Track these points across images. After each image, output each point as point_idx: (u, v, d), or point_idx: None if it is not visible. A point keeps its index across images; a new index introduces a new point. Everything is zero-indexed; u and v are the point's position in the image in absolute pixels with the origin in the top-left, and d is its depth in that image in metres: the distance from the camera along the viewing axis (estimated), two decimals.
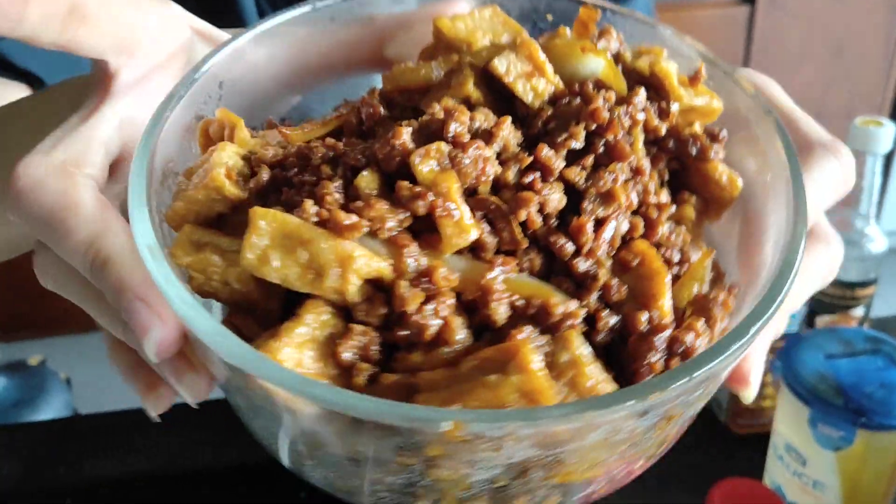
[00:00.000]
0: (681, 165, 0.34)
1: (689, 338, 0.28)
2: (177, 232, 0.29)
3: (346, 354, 0.26)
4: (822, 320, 0.91)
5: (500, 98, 0.33)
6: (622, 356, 0.28)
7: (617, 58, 0.34)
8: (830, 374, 0.68)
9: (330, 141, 0.31)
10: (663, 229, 0.31)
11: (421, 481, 0.26)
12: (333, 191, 0.28)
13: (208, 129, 0.32)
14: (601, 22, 0.36)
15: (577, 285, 0.29)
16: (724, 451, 0.84)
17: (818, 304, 0.90)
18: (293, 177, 0.29)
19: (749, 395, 0.33)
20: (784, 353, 0.71)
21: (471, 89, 0.32)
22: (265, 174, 0.29)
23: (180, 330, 0.26)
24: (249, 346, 0.24)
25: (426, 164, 0.28)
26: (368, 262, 0.26)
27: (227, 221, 0.30)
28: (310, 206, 0.27)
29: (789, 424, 0.70)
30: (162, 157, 0.30)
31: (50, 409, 2.07)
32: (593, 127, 0.31)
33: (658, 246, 0.31)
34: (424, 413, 0.23)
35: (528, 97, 0.32)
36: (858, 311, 0.91)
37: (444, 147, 0.28)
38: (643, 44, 0.36)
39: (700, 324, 0.28)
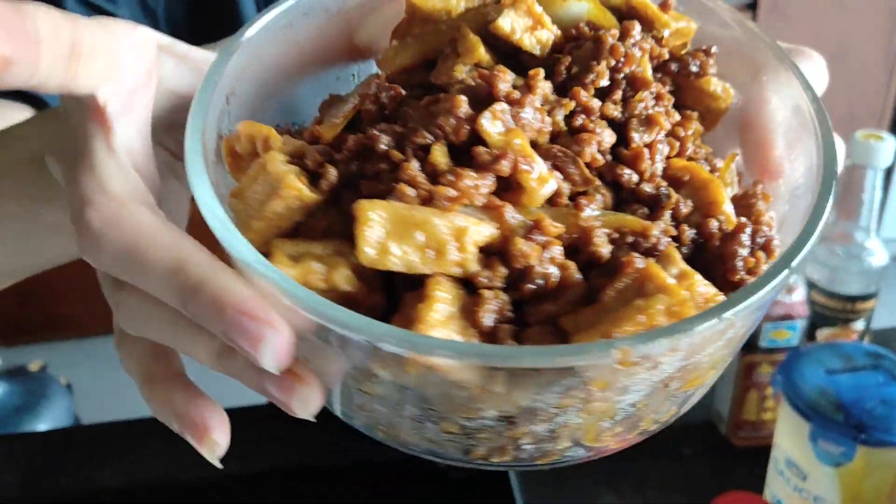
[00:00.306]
0: (676, 85, 0.36)
1: (764, 229, 0.30)
2: (262, 252, 0.27)
3: (487, 320, 0.26)
4: (823, 334, 0.91)
5: (503, 55, 0.34)
6: (704, 263, 0.30)
7: None
8: (831, 389, 0.68)
9: (383, 126, 0.30)
10: (690, 144, 0.34)
11: (569, 420, 0.28)
12: (417, 172, 0.28)
13: (234, 148, 0.32)
14: None
15: (650, 209, 0.31)
16: (725, 464, 0.84)
17: (819, 318, 0.90)
18: (364, 169, 0.29)
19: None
20: (784, 368, 0.71)
21: (483, 53, 0.32)
22: (333, 173, 0.29)
23: (293, 335, 0.25)
24: (408, 330, 0.25)
25: (494, 126, 0.29)
26: (478, 229, 0.27)
27: (305, 228, 0.29)
28: (407, 189, 0.27)
29: (790, 439, 0.70)
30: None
31: (51, 416, 2.07)
32: (613, 63, 0.32)
33: (691, 159, 0.33)
34: (595, 347, 0.24)
35: (536, 50, 0.33)
36: (859, 325, 0.91)
37: (505, 106, 0.29)
38: None
39: (766, 216, 0.31)
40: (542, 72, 0.31)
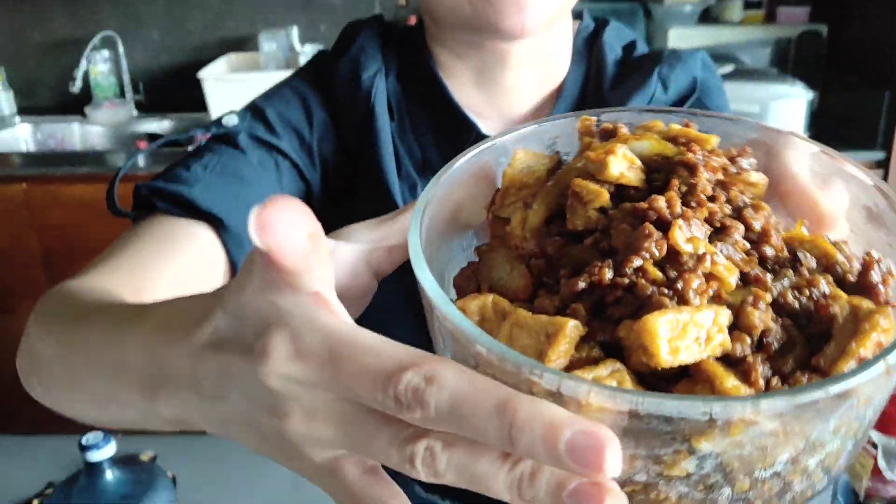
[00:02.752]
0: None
1: (880, 262, 0.36)
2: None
3: (762, 379, 0.32)
4: None
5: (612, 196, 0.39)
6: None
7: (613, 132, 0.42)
8: None
9: (597, 263, 0.35)
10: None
11: (832, 447, 0.32)
12: (649, 286, 0.33)
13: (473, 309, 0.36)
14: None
15: (793, 270, 0.36)
16: None
17: None
18: (604, 300, 0.34)
19: None
20: None
21: (606, 197, 0.38)
22: (582, 309, 0.34)
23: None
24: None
25: (683, 235, 0.35)
26: (726, 313, 0.33)
27: (573, 364, 0.34)
28: (664, 298, 0.33)
29: None
30: None
31: None
32: (707, 176, 0.38)
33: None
34: (870, 364, 0.30)
35: (639, 182, 0.39)
36: None
37: (682, 222, 0.35)
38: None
39: (870, 253, 0.37)
40: (686, 190, 0.37)
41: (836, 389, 0.28)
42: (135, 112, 2.80)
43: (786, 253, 0.37)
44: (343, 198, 0.78)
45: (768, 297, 0.34)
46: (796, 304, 0.34)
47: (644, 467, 0.31)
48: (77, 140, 2.76)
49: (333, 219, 0.49)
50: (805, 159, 0.41)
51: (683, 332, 0.31)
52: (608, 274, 0.34)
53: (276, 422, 0.32)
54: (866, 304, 0.33)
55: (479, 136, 0.75)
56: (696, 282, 0.33)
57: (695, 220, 0.35)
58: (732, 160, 0.41)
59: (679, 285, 0.33)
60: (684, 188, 0.37)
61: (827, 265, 0.37)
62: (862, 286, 0.36)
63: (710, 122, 0.44)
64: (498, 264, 0.39)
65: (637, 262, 0.34)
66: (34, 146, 2.76)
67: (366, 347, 0.30)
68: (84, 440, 2.06)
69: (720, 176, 0.39)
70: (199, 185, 0.67)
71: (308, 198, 0.77)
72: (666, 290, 0.33)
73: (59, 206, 2.32)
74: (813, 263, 0.36)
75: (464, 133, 0.76)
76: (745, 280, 0.35)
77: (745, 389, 0.31)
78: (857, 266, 0.37)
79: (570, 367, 0.32)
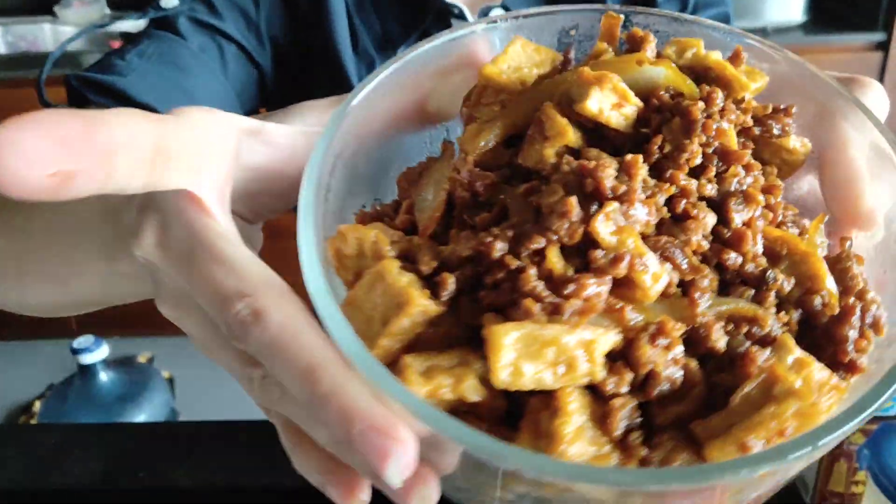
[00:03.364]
0: (754, 142, 0.34)
1: (872, 308, 0.30)
2: (389, 365, 0.28)
3: (619, 429, 0.27)
4: None
5: (587, 130, 0.33)
6: (811, 341, 0.29)
7: (660, 57, 0.35)
8: None
9: (496, 231, 0.29)
10: (781, 210, 0.32)
11: None
12: (537, 282, 0.27)
13: (340, 249, 0.31)
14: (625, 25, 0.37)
15: (755, 289, 0.30)
16: None
17: None
18: (482, 277, 0.28)
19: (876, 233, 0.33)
20: (873, 442, 0.67)
21: (572, 136, 0.32)
22: (451, 283, 0.28)
23: (418, 448, 0.25)
24: (540, 453, 0.26)
25: (607, 227, 0.28)
26: (606, 339, 0.27)
27: (424, 336, 0.29)
28: (533, 306, 0.27)
29: None
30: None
31: (150, 408, 2.18)
32: (704, 139, 0.31)
33: (780, 225, 0.32)
34: (737, 465, 0.25)
35: (623, 126, 0.32)
36: None
37: (616, 206, 0.28)
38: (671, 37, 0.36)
39: (871, 294, 0.30)
40: (640, 159, 0.30)
41: (656, 489, 0.24)
42: (107, 10, 2.69)
43: (761, 263, 0.31)
44: (297, 80, 0.74)
45: (678, 333, 0.28)
46: (719, 344, 0.28)
47: (463, 477, 0.28)
48: (49, 41, 2.67)
49: (291, 103, 0.46)
50: (865, 139, 0.34)
51: (538, 353, 0.26)
52: (499, 248, 0.28)
53: (157, 299, 0.32)
54: (792, 379, 0.26)
55: (444, 8, 0.70)
56: (591, 289, 0.27)
57: (640, 205, 0.29)
58: (766, 119, 0.34)
59: (567, 290, 0.27)
60: (668, 148, 0.31)
61: (807, 291, 0.30)
62: (830, 335, 0.29)
63: (763, 54, 0.36)
64: (432, 181, 0.34)
65: (538, 243, 0.28)
66: (4, 48, 2.67)
67: (221, 259, 0.29)
68: (76, 344, 2.09)
69: (729, 139, 0.32)
70: (133, 74, 0.64)
71: (261, 82, 0.74)
72: (546, 293, 0.27)
73: (33, 110, 2.27)
74: (787, 288, 0.30)
75: (429, 2, 0.70)
76: (684, 291, 0.29)
77: (589, 435, 0.26)
78: (853, 302, 0.30)
79: (416, 341, 0.28)
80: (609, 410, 0.27)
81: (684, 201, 0.30)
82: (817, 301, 0.30)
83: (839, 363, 0.29)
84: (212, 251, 0.29)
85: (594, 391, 0.27)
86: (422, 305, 0.27)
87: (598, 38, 0.37)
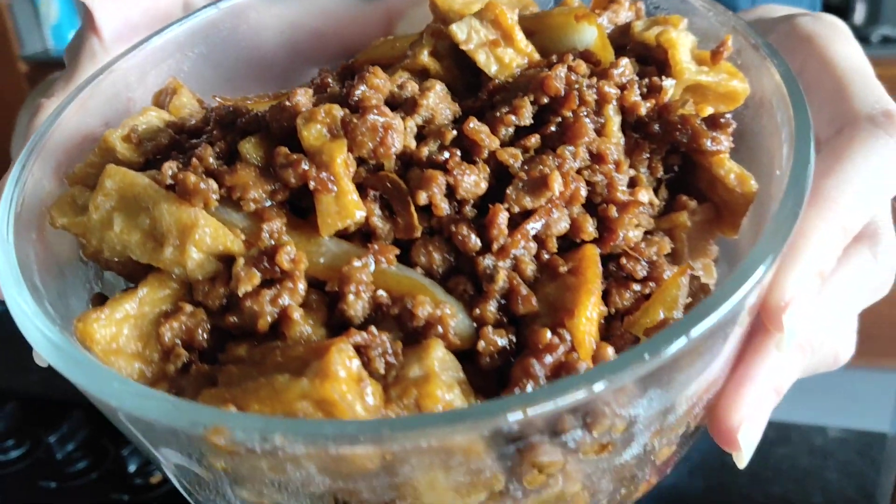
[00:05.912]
0: (685, 162, 0.28)
1: (581, 367, 0.23)
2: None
3: (167, 336, 0.23)
4: None
5: (470, 72, 0.29)
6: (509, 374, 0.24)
7: (626, 29, 0.30)
8: None
9: (244, 105, 0.27)
10: (630, 234, 0.26)
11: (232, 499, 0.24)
12: (210, 155, 0.24)
13: (159, 99, 0.31)
14: None
15: (476, 288, 0.25)
16: None
17: None
18: (186, 141, 0.26)
19: (739, 459, 0.28)
20: None
21: (425, 59, 0.28)
22: (164, 137, 0.26)
23: None
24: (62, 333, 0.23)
25: (311, 128, 0.23)
26: (214, 233, 0.23)
27: None
28: (168, 168, 0.24)
29: None
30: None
31: None
32: (545, 100, 0.26)
33: (621, 255, 0.26)
34: (184, 411, 0.20)
35: (492, 68, 0.27)
36: None
37: (337, 111, 0.24)
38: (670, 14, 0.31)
39: (611, 353, 0.24)
40: (437, 86, 0.26)
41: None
42: None
43: (526, 266, 0.25)
44: None
45: (292, 267, 0.24)
46: (355, 311, 0.24)
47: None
48: None
49: None
50: (851, 48, 0.33)
51: (132, 210, 0.23)
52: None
53: None
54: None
55: None
56: (240, 180, 0.24)
57: (398, 132, 0.25)
58: (693, 128, 0.28)
59: (220, 170, 0.24)
60: (505, 110, 0.26)
61: (554, 323, 0.24)
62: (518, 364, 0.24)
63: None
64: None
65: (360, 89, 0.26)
66: None
67: None
68: None
69: (581, 123, 0.26)
70: None
71: None
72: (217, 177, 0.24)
73: None
74: (523, 306, 0.25)
75: None
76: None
77: (107, 337, 0.23)
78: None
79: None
80: (170, 313, 0.24)
81: (455, 152, 0.26)
82: (547, 336, 0.25)
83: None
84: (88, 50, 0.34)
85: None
86: (110, 142, 0.27)
87: None
